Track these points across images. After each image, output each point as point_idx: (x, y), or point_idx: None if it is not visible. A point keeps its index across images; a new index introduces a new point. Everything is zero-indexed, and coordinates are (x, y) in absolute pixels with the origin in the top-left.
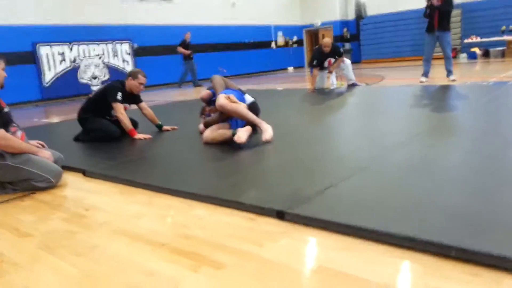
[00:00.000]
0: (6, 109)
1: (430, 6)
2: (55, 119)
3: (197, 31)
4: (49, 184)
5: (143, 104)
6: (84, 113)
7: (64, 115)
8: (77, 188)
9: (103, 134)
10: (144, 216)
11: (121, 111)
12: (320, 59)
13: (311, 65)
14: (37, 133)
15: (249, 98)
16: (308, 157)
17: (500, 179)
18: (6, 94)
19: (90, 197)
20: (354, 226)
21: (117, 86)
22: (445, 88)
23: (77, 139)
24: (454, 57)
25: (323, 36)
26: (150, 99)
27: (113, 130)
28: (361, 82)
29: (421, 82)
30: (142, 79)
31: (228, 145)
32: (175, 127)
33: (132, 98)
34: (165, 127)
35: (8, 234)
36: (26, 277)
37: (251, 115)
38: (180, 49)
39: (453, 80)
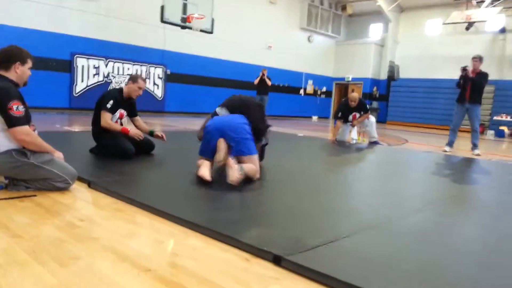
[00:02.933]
0: None
1: (464, 77)
2: (76, 128)
3: (231, 67)
4: (66, 185)
5: (136, 117)
6: (96, 127)
7: (85, 126)
8: (78, 197)
9: (117, 151)
10: (137, 237)
11: (106, 120)
12: (345, 112)
13: (335, 117)
14: (56, 139)
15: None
16: (317, 205)
17: None
18: (36, 97)
19: (88, 208)
20: (350, 284)
21: (111, 94)
22: (468, 161)
23: (92, 151)
24: (482, 132)
25: (353, 91)
26: (173, 125)
27: (127, 148)
28: (383, 142)
29: (444, 151)
30: (141, 83)
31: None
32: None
33: (129, 105)
34: (156, 133)
35: None
36: (1, 278)
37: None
38: (257, 80)
39: (478, 155)
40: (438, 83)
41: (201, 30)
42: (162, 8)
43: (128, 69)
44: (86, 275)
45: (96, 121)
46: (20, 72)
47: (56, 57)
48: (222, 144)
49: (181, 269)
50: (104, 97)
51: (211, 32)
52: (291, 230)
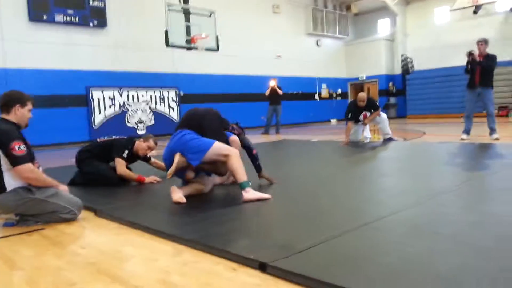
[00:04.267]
0: None
1: (471, 62)
2: None
3: (242, 81)
4: (73, 216)
5: (151, 160)
6: (84, 154)
7: None
8: (83, 226)
9: (100, 178)
10: (132, 258)
11: (123, 168)
12: (354, 113)
13: (346, 118)
14: (67, 173)
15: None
16: (314, 209)
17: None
18: (57, 134)
19: (91, 235)
20: (333, 285)
21: (125, 144)
22: (485, 147)
23: (72, 182)
24: (506, 115)
25: (368, 90)
26: None
27: (110, 176)
28: (399, 137)
29: (461, 139)
30: (152, 144)
31: (234, 192)
32: None
33: (136, 159)
34: None
35: (1, 266)
36: None
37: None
38: (268, 91)
39: (496, 139)
40: (453, 71)
41: (207, 49)
42: (166, 33)
43: (143, 95)
44: None
45: (93, 151)
46: (20, 114)
47: (72, 93)
48: (176, 157)
49: (169, 285)
50: (117, 146)
51: (217, 50)
52: (281, 237)
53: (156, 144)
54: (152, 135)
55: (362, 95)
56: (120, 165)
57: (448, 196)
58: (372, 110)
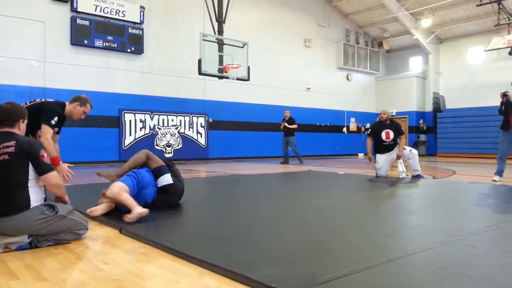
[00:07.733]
0: None
1: (506, 103)
2: None
3: (271, 111)
4: (85, 231)
5: (56, 136)
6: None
7: None
8: (108, 243)
9: None
10: (154, 278)
11: (47, 136)
12: (376, 129)
13: (368, 135)
14: (96, 189)
15: (166, 180)
16: (338, 241)
17: None
18: (88, 152)
19: (115, 253)
20: None
21: (56, 110)
22: None
23: None
24: None
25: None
26: (215, 170)
27: None
28: (428, 175)
29: (493, 181)
30: (89, 108)
31: (257, 216)
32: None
33: (62, 124)
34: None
35: (28, 277)
36: None
37: (128, 201)
38: (285, 125)
39: None
40: (486, 111)
41: (238, 79)
42: (200, 61)
43: (172, 120)
44: None
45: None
46: (22, 128)
47: (106, 114)
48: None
49: None
50: (48, 111)
51: (247, 80)
52: (303, 266)
53: (91, 107)
54: (88, 98)
55: (384, 109)
56: (46, 132)
57: (478, 237)
58: (397, 134)
